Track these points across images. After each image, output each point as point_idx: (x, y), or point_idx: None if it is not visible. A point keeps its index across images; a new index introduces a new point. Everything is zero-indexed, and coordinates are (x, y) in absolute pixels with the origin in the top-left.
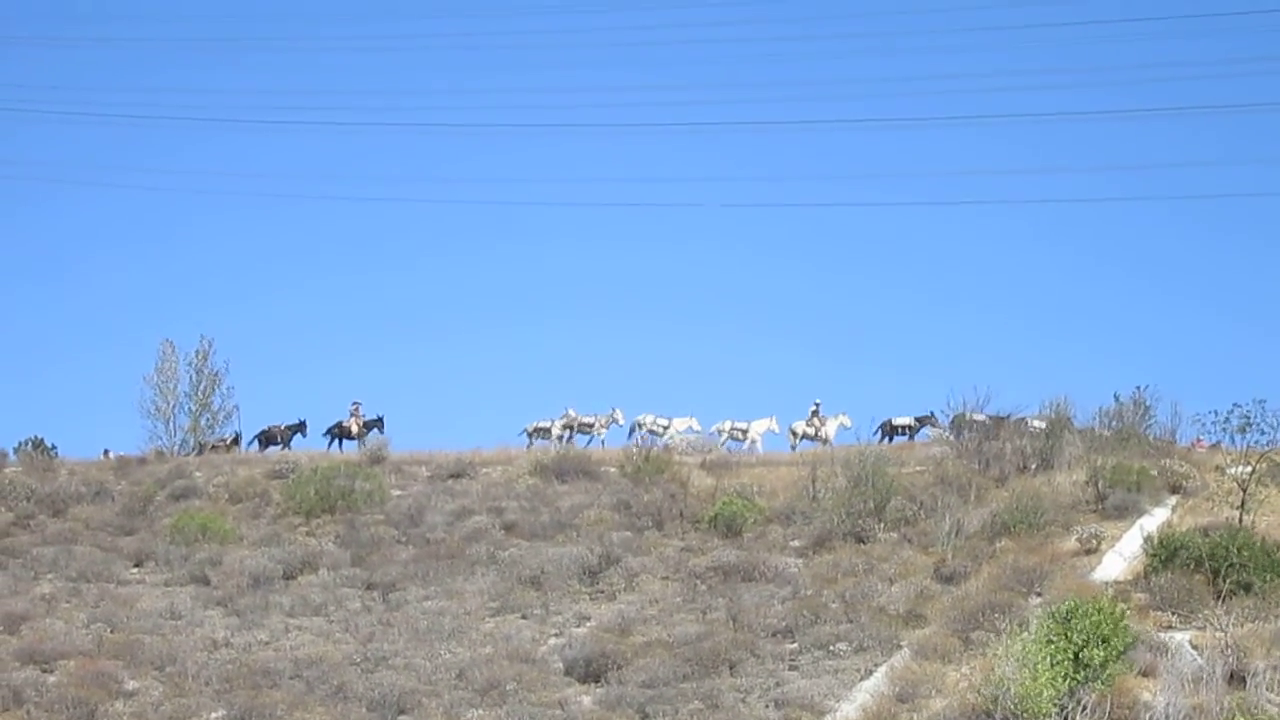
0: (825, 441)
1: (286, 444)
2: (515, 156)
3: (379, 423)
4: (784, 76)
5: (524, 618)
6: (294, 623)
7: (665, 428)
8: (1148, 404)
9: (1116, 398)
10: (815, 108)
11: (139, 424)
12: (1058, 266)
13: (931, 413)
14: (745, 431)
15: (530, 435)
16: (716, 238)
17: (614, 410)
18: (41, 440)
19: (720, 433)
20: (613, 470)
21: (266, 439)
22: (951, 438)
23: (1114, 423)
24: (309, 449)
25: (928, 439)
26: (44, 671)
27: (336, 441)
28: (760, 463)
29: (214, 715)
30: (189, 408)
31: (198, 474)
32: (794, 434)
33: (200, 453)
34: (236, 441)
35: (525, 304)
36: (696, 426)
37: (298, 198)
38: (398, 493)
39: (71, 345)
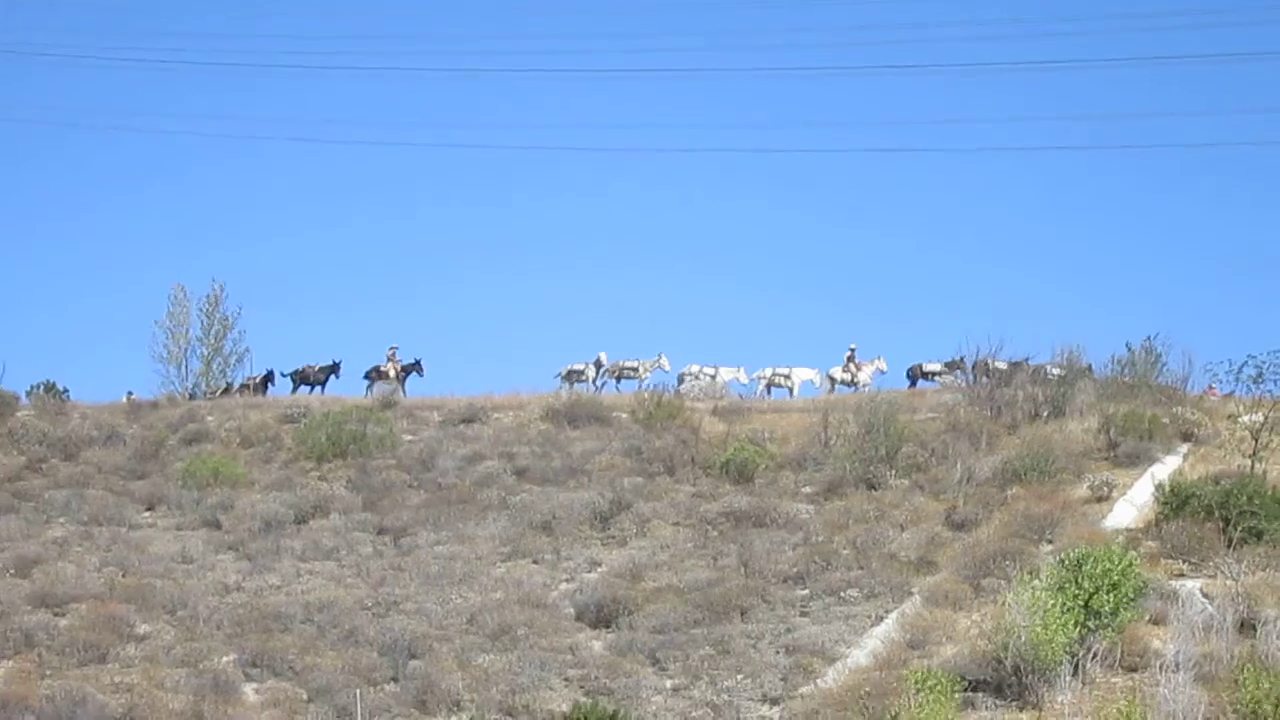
0: (864, 386)
1: (321, 385)
2: (532, 101)
3: (417, 366)
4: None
5: (535, 563)
6: (305, 567)
7: (713, 377)
8: (1159, 352)
9: (1128, 346)
10: (840, 54)
11: (151, 368)
12: (1077, 218)
13: (961, 357)
14: (788, 377)
15: (565, 378)
16: (743, 187)
17: (660, 356)
18: (54, 384)
19: (761, 379)
20: (624, 416)
21: (300, 379)
22: (963, 384)
23: (1126, 371)
24: (338, 392)
25: (938, 385)
26: (56, 615)
27: (372, 384)
28: (772, 409)
29: (226, 659)
30: (201, 352)
31: (209, 418)
32: (830, 379)
33: (228, 392)
34: (270, 379)
35: (550, 249)
36: (743, 378)
37: (317, 142)
38: (409, 438)
39: (84, 289)
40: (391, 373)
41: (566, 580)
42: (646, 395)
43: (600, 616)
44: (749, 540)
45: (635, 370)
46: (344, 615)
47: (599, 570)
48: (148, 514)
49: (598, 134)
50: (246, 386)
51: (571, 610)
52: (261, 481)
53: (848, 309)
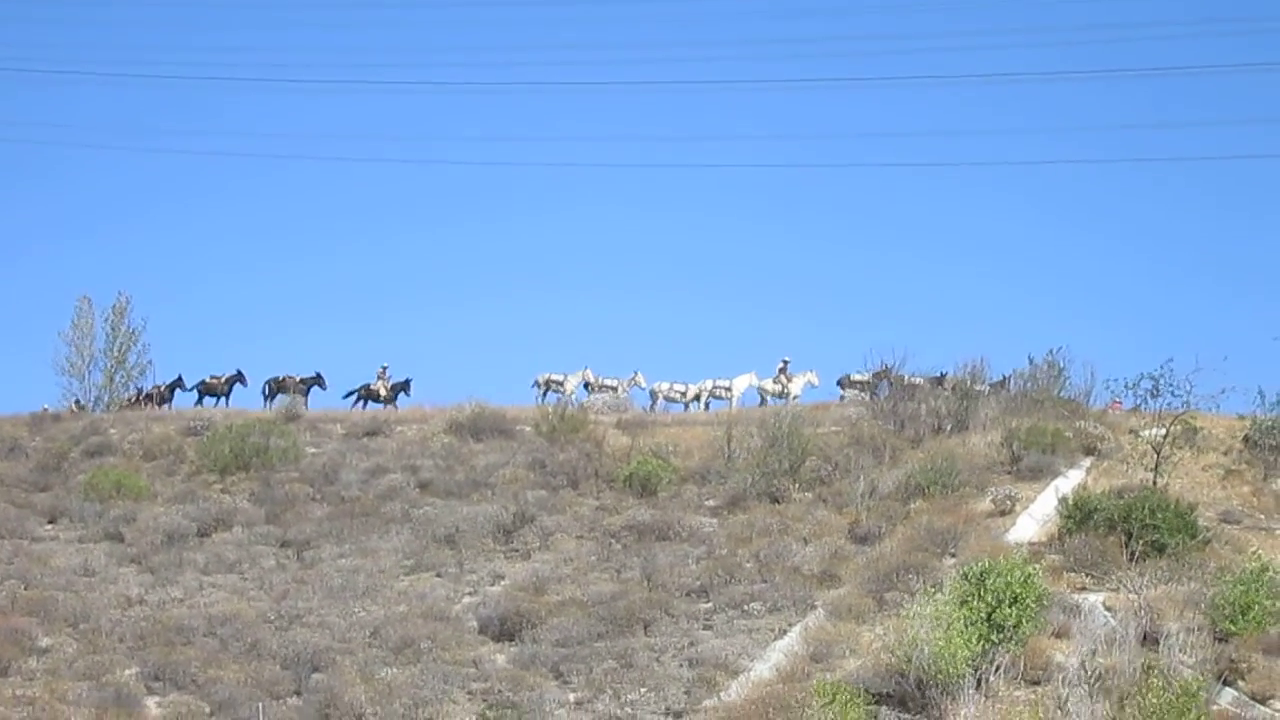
0: (794, 398)
1: (226, 397)
2: (494, 118)
3: (406, 385)
4: (758, 35)
5: (438, 576)
6: (208, 580)
7: (682, 394)
8: (1061, 366)
9: (1030, 359)
10: (786, 68)
11: (54, 380)
12: (1033, 227)
13: (887, 366)
14: (729, 389)
15: (541, 386)
16: (680, 200)
17: (635, 374)
18: None
19: (703, 391)
20: (528, 429)
21: (205, 390)
22: (866, 398)
23: (1028, 384)
24: (243, 405)
25: (842, 399)
26: None
27: (362, 403)
28: (675, 422)
29: (128, 672)
30: (104, 365)
31: (112, 431)
32: (762, 392)
33: (135, 401)
34: (180, 385)
35: (498, 270)
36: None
37: (283, 158)
38: (312, 450)
39: None
40: (382, 391)
41: (470, 593)
42: (551, 408)
43: (504, 630)
44: (652, 553)
45: (614, 388)
46: (247, 628)
47: (502, 583)
48: (50, 526)
49: (573, 148)
50: (150, 396)
51: (475, 623)
52: (164, 494)
53: (779, 319)
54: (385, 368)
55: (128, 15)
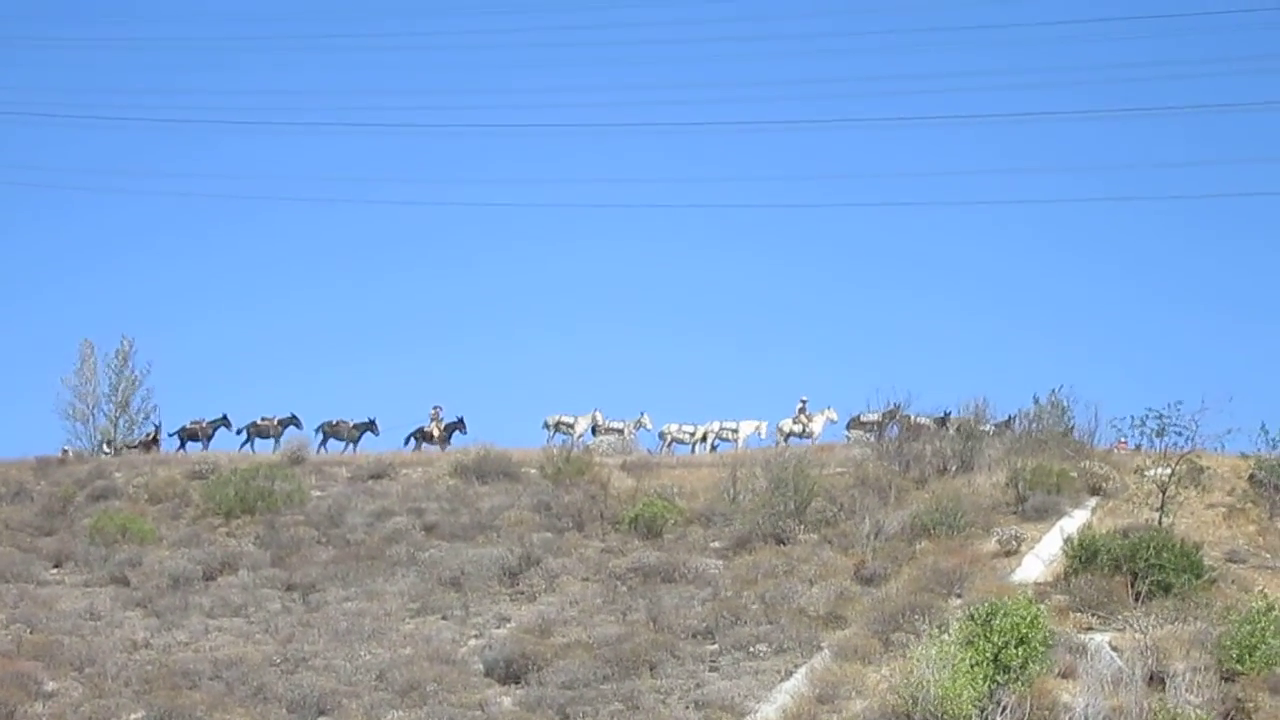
0: (815, 438)
1: (208, 440)
2: (489, 158)
3: (460, 424)
4: (766, 77)
5: (444, 619)
6: (214, 623)
7: (691, 434)
8: (1066, 405)
9: (1035, 399)
10: (790, 108)
11: (58, 425)
12: (1035, 265)
13: (897, 406)
14: (735, 431)
15: (551, 428)
16: (692, 239)
17: (642, 415)
18: None
19: (710, 433)
20: (533, 471)
21: (187, 435)
22: (871, 439)
23: (1033, 424)
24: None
25: (848, 439)
26: None
27: (417, 444)
28: (680, 464)
29: (134, 716)
30: (108, 410)
31: (117, 474)
32: (781, 432)
33: (249, 438)
34: (156, 439)
35: (496, 309)
36: (764, 433)
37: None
38: (318, 493)
39: None
40: (435, 432)
41: (475, 636)
42: (555, 450)
43: (509, 672)
44: (658, 595)
45: (620, 431)
46: (252, 672)
47: (508, 626)
48: (55, 570)
49: (582, 189)
50: (135, 446)
51: (481, 666)
52: (169, 538)
53: (828, 361)
54: (439, 409)
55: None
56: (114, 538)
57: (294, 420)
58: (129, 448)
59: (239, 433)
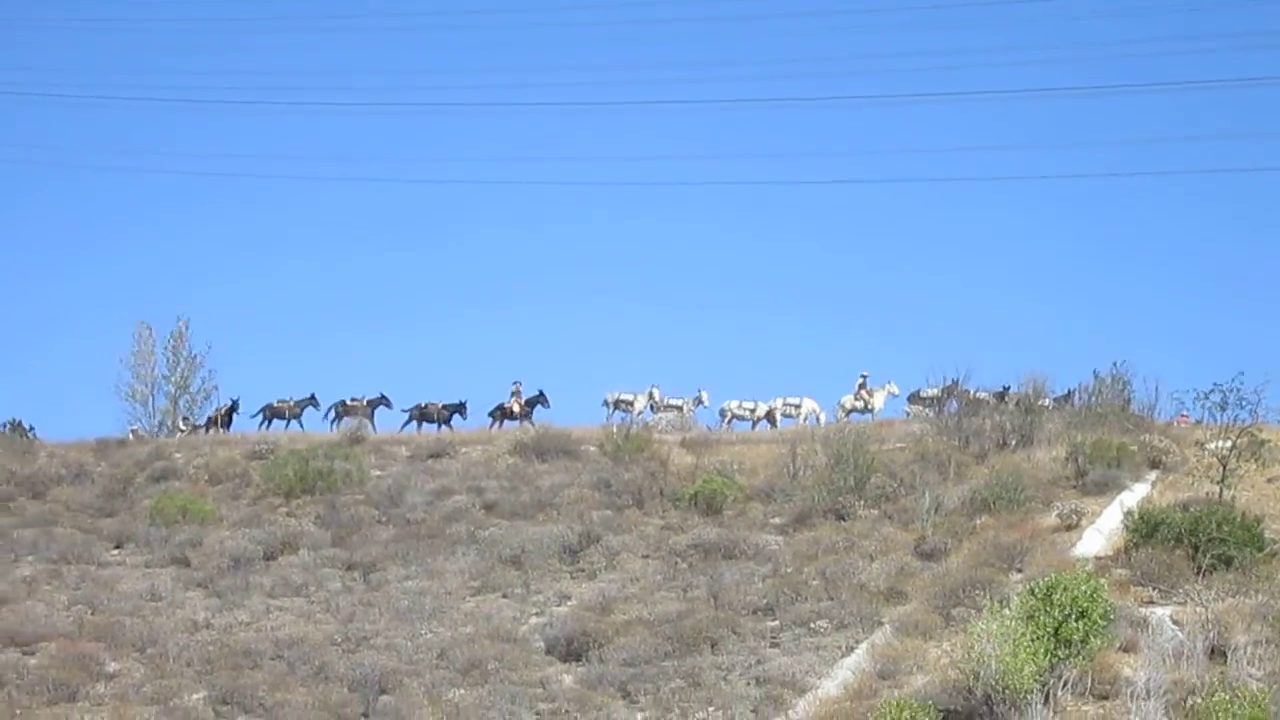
0: (877, 412)
1: (445, 423)
2: (503, 135)
3: (541, 398)
4: (823, 53)
5: (505, 597)
6: (274, 603)
7: (751, 411)
8: (1126, 379)
9: (1095, 373)
10: (847, 84)
11: (118, 406)
12: (1095, 242)
13: (955, 382)
14: (798, 407)
15: (611, 406)
16: (752, 217)
17: (700, 392)
18: (20, 422)
19: (774, 410)
20: (592, 449)
21: (272, 413)
22: (930, 414)
23: (1093, 398)
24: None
25: (907, 415)
26: (25, 654)
27: (499, 423)
28: (740, 440)
29: (196, 696)
30: (167, 390)
31: (177, 455)
32: (842, 408)
33: (195, 430)
34: (235, 410)
35: (520, 287)
36: (819, 412)
37: (292, 179)
38: (377, 473)
39: (51, 327)
40: (516, 408)
41: (536, 614)
42: (615, 428)
43: (570, 650)
44: (718, 572)
45: (679, 407)
46: (314, 651)
47: (568, 603)
48: (116, 552)
49: (641, 166)
50: (213, 420)
51: (542, 644)
52: (230, 518)
53: (886, 339)
54: (519, 384)
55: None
56: (174, 518)
57: (383, 400)
58: (199, 427)
59: (327, 413)
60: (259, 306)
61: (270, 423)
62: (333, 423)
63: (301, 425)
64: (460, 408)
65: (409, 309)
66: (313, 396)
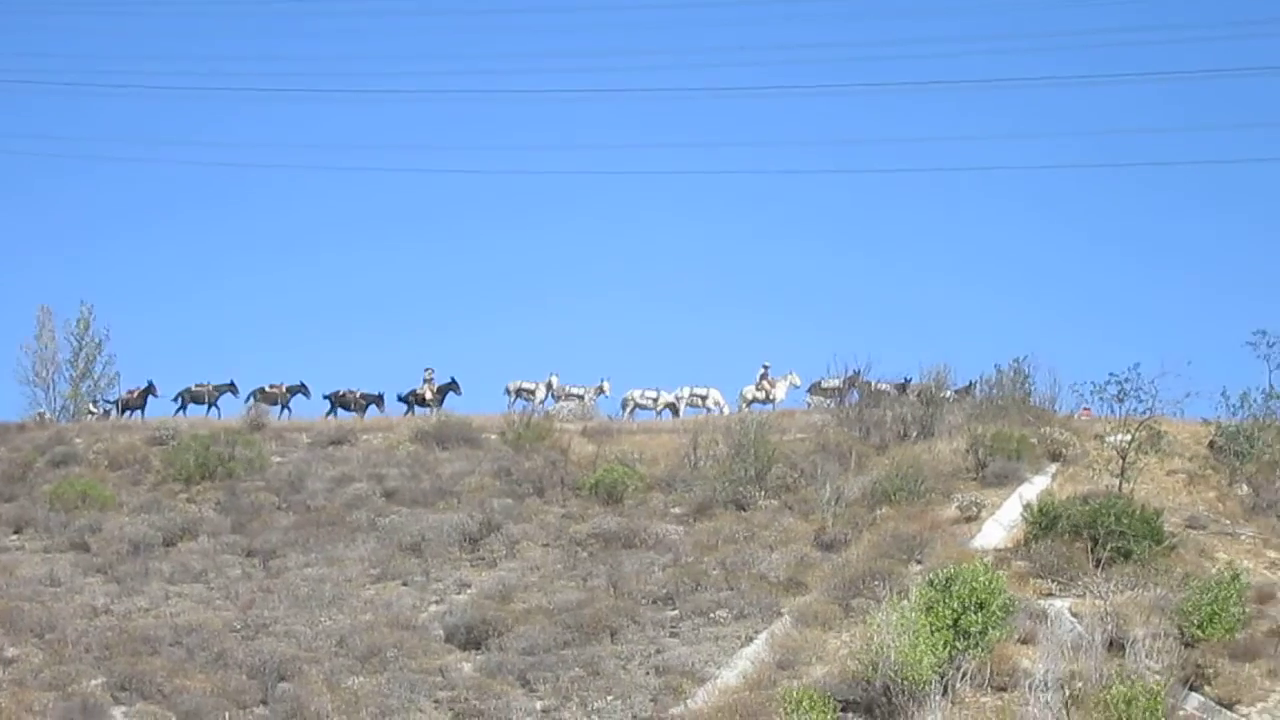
0: (778, 403)
1: (361, 411)
2: (458, 125)
3: (453, 385)
4: (741, 41)
5: (405, 584)
6: (174, 590)
7: (655, 400)
8: (1027, 372)
9: (997, 366)
10: (770, 73)
11: (17, 390)
12: (995, 230)
13: (857, 373)
14: (705, 398)
15: (512, 394)
16: (657, 203)
17: (602, 381)
18: None
19: (680, 399)
20: (493, 437)
21: (192, 397)
22: (832, 405)
23: (994, 390)
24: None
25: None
26: None
27: (410, 409)
28: (641, 430)
29: (94, 682)
30: (69, 375)
31: (78, 440)
32: (744, 399)
33: (107, 414)
34: (151, 392)
35: (460, 277)
36: (698, 399)
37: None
38: (278, 459)
39: None
40: (428, 395)
41: (436, 602)
42: (516, 416)
43: (470, 638)
44: (618, 561)
45: (580, 396)
46: (213, 638)
47: (468, 592)
48: (15, 537)
49: (539, 156)
50: (124, 403)
51: (441, 632)
52: (130, 504)
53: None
54: (431, 371)
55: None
56: (74, 504)
57: (303, 388)
58: (109, 411)
59: (246, 399)
60: (168, 297)
61: (187, 407)
62: (407, 412)
63: (219, 412)
64: (378, 399)
65: (313, 303)
66: (232, 383)
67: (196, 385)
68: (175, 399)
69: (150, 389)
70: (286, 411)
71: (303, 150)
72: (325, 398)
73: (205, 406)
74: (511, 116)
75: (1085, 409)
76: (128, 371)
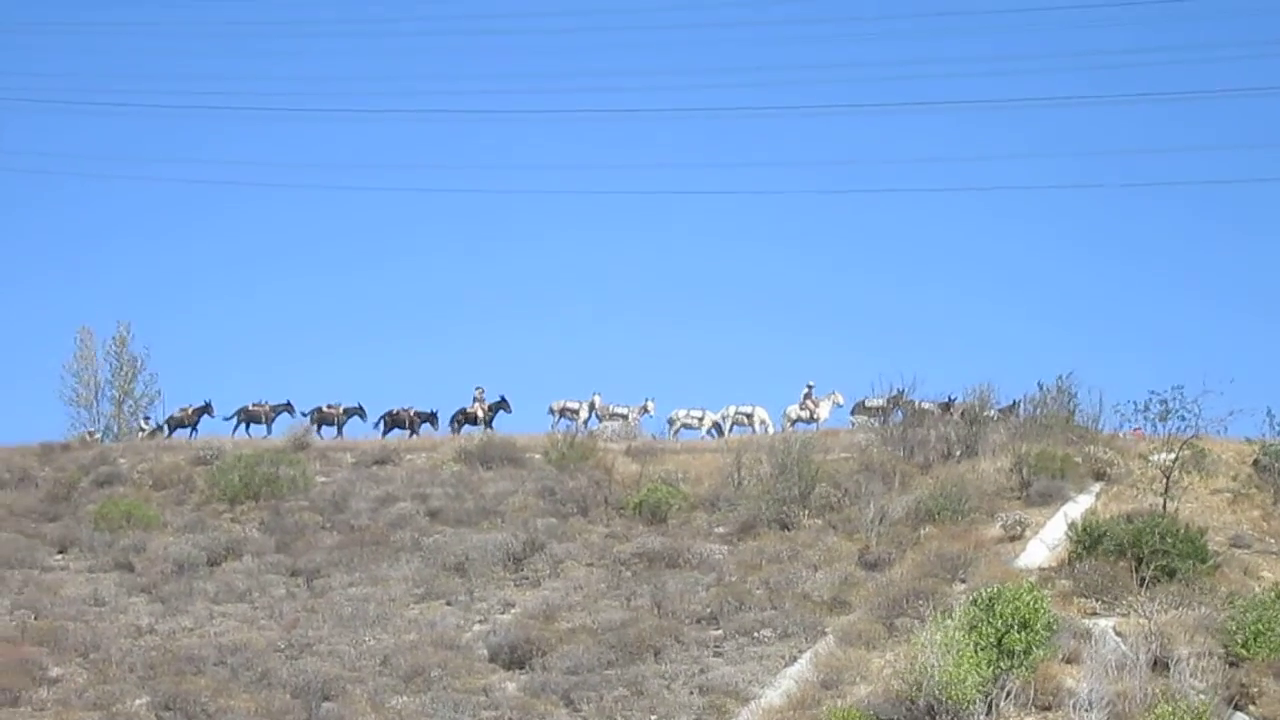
0: (822, 422)
1: (193, 428)
2: (475, 144)
3: (504, 403)
4: (772, 61)
5: (448, 604)
6: (218, 609)
7: (700, 420)
8: (1071, 391)
9: (1040, 385)
10: (794, 93)
11: (62, 411)
12: (1044, 252)
13: (901, 392)
14: (750, 416)
15: (556, 414)
16: (700, 224)
17: (646, 401)
18: None
19: (726, 418)
20: (538, 456)
21: (394, 422)
22: (876, 424)
23: (1037, 409)
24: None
25: (852, 424)
26: None
27: (459, 427)
28: (685, 449)
29: (138, 702)
30: (111, 394)
31: (122, 460)
32: (788, 418)
33: (158, 431)
34: (207, 410)
35: (505, 295)
36: (743, 418)
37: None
38: (322, 479)
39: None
40: (480, 413)
41: (480, 621)
42: (560, 435)
43: (514, 657)
44: (662, 581)
45: (624, 416)
46: (257, 657)
47: (512, 611)
48: (60, 556)
49: (588, 175)
50: (178, 421)
51: (485, 651)
52: (174, 524)
53: (835, 347)
54: (481, 390)
55: (109, 44)
56: (118, 524)
57: (359, 410)
58: (160, 428)
59: (305, 418)
60: (201, 313)
61: (246, 426)
62: (454, 431)
63: (270, 431)
64: (432, 417)
65: (353, 319)
66: (288, 403)
67: (254, 405)
68: (231, 418)
69: (207, 408)
70: (341, 433)
71: (335, 170)
72: (378, 420)
73: (262, 426)
74: (561, 134)
75: (1136, 429)
76: (170, 390)
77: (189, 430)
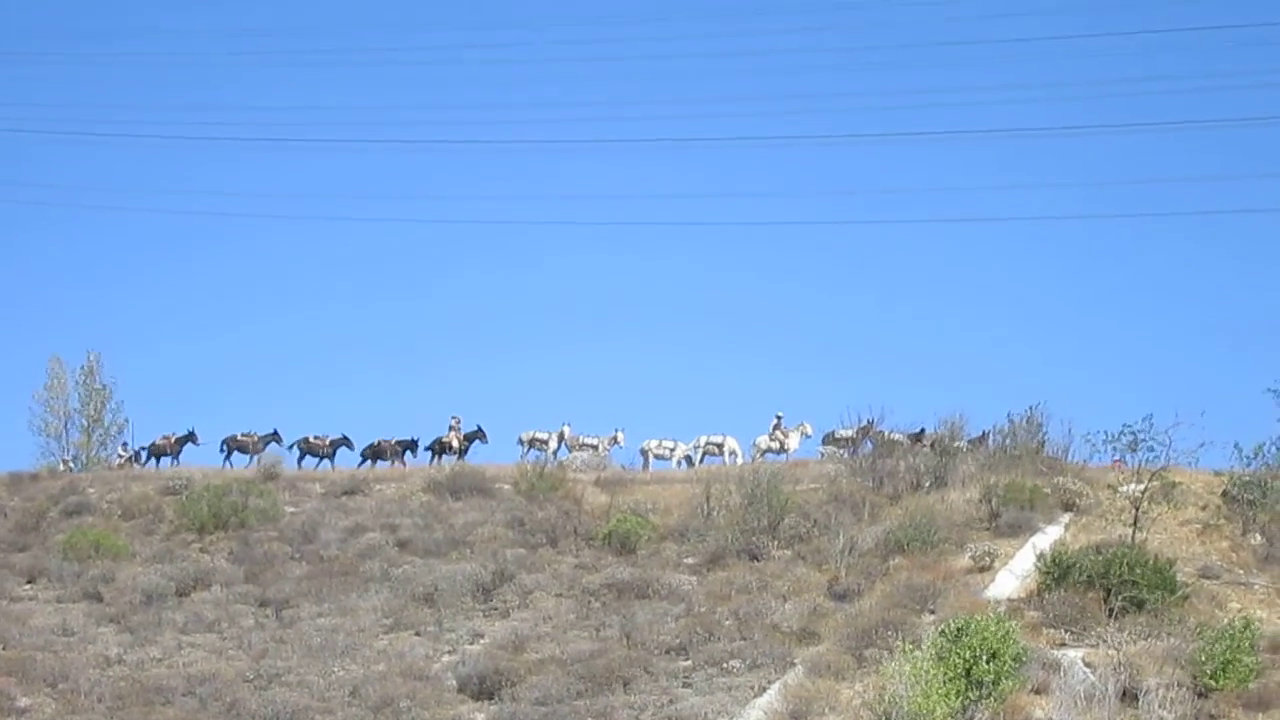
0: (792, 452)
1: (175, 457)
2: (460, 174)
3: (480, 434)
4: (756, 92)
5: (417, 635)
6: (187, 639)
7: (671, 450)
8: (1040, 422)
9: (1010, 416)
10: (784, 124)
11: (30, 440)
12: (1027, 281)
13: (870, 423)
14: (720, 446)
15: (526, 444)
16: (668, 255)
17: (616, 432)
18: None
19: (697, 448)
20: (507, 487)
21: (376, 454)
22: (845, 455)
23: (1007, 440)
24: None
25: (821, 455)
26: None
27: (437, 457)
28: (654, 480)
29: None
30: (80, 423)
31: (90, 490)
32: (757, 448)
33: (302, 454)
34: (191, 439)
35: (474, 327)
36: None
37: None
38: (291, 509)
39: None
40: (455, 443)
41: (449, 652)
42: (529, 466)
43: (483, 688)
44: (631, 611)
45: (594, 446)
46: (226, 688)
47: (481, 642)
48: (28, 586)
49: (552, 205)
50: (158, 449)
51: (454, 682)
52: (143, 554)
53: (803, 377)
54: (458, 419)
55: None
56: (87, 554)
57: (345, 441)
58: (136, 456)
59: (292, 448)
60: (173, 346)
61: (232, 454)
62: (432, 460)
63: (259, 461)
64: (412, 444)
65: (322, 350)
66: (275, 432)
67: (242, 434)
68: (220, 448)
69: (190, 436)
70: (329, 463)
71: (314, 200)
72: (363, 452)
73: (248, 456)
74: (528, 166)
75: (1117, 460)
76: (147, 420)
77: (171, 459)
